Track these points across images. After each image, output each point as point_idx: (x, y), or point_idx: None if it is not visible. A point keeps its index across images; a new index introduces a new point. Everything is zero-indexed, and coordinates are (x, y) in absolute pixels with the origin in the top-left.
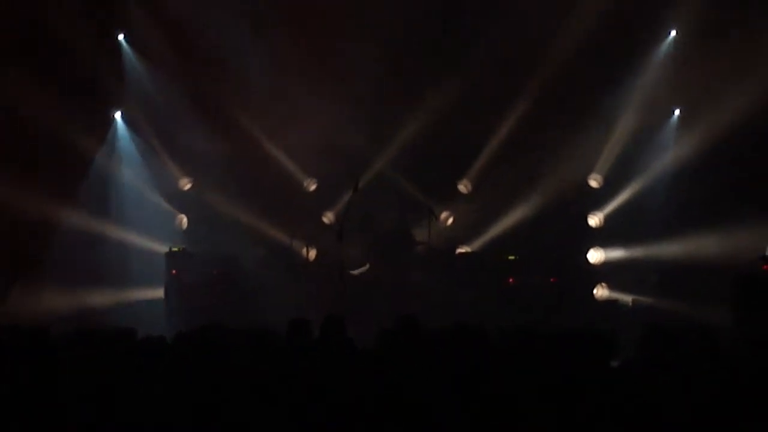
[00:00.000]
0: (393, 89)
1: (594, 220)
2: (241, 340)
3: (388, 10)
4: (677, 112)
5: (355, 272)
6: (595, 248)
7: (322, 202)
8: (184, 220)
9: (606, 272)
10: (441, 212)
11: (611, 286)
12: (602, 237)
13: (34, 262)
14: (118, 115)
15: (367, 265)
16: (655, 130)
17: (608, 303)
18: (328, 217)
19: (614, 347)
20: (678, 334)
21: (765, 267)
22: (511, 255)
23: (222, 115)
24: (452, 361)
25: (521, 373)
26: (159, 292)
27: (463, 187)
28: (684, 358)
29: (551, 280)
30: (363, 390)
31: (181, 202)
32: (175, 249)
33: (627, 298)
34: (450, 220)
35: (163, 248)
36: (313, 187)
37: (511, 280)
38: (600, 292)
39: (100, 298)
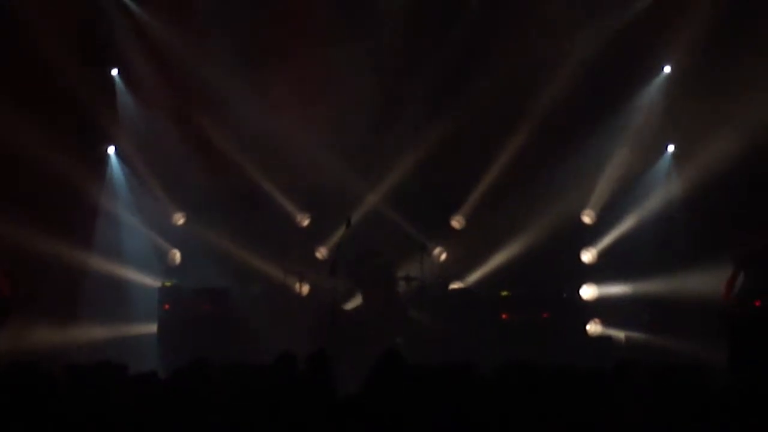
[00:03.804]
0: (386, 125)
1: (587, 256)
2: (231, 376)
3: (382, 47)
4: (671, 148)
5: (348, 308)
6: (588, 284)
7: (315, 237)
8: (177, 255)
9: (599, 308)
10: (434, 248)
11: (604, 322)
12: (595, 273)
13: (27, 298)
14: (111, 150)
15: (359, 301)
16: (648, 167)
17: (601, 339)
18: (321, 253)
19: (604, 384)
20: (664, 372)
21: (757, 303)
22: (504, 291)
23: (215, 150)
24: (442, 399)
25: (513, 410)
26: (151, 327)
27: (456, 222)
28: (671, 395)
29: (544, 315)
30: (348, 428)
31: (174, 237)
32: (168, 284)
33: (620, 334)
34: (443, 256)
35: (155, 283)
36: (306, 222)
37: (504, 316)
38: (593, 328)
39: (92, 332)
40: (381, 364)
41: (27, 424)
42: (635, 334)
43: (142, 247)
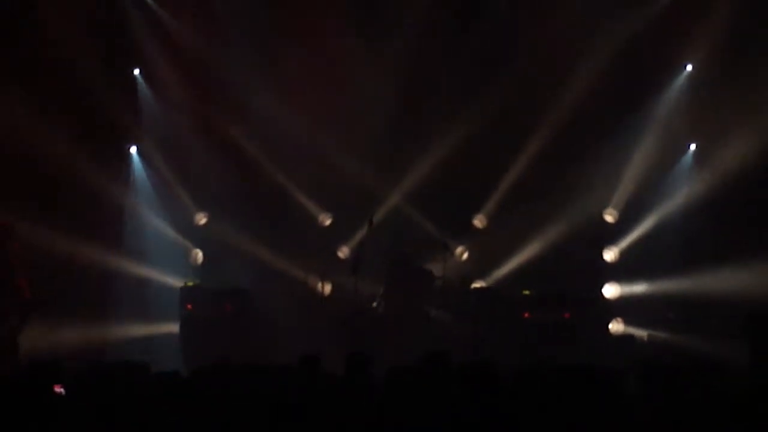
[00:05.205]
0: (409, 123)
1: (609, 255)
2: (254, 376)
3: (403, 44)
4: (693, 147)
5: (374, 304)
6: (611, 283)
7: (337, 236)
8: (200, 254)
9: (621, 307)
10: (456, 247)
11: (626, 321)
12: (618, 272)
13: (49, 299)
14: (133, 149)
15: (379, 300)
16: (670, 165)
17: (623, 338)
18: (343, 252)
19: (626, 383)
20: (684, 371)
21: None
22: (526, 290)
23: (237, 149)
24: (463, 398)
25: (534, 409)
26: (173, 327)
27: (478, 222)
28: (691, 394)
29: (566, 315)
30: (376, 427)
31: (196, 236)
32: (190, 284)
33: (642, 333)
34: (465, 255)
35: (178, 283)
36: (328, 222)
37: (526, 315)
38: (615, 327)
39: (115, 332)
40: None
41: (49, 421)
42: (658, 333)
43: (163, 247)
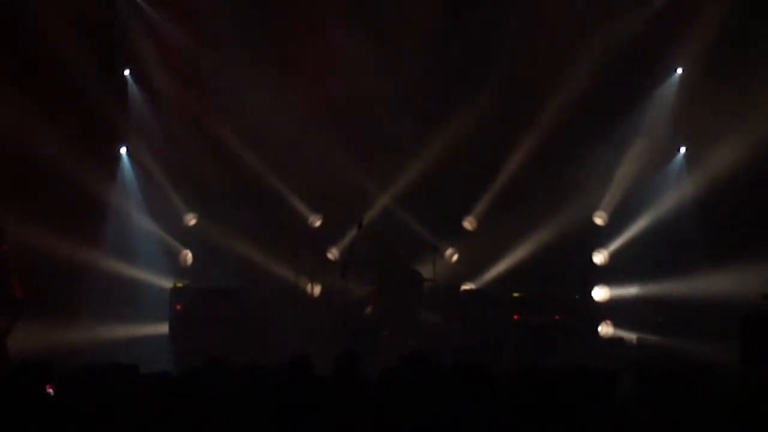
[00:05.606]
0: (398, 126)
1: (599, 258)
2: (244, 377)
3: (395, 50)
4: (683, 149)
5: (360, 308)
6: (600, 286)
7: (326, 238)
8: (189, 255)
9: (611, 310)
10: (446, 249)
11: (616, 324)
12: (607, 274)
13: (38, 298)
14: (123, 150)
15: (368, 302)
16: (660, 168)
17: (613, 340)
18: (332, 254)
19: (617, 385)
20: (676, 372)
21: None
22: (516, 292)
23: (227, 151)
24: (453, 400)
25: (525, 411)
26: (163, 328)
27: (468, 224)
28: (683, 396)
29: (555, 317)
30: (367, 427)
31: (186, 237)
32: (180, 284)
33: (632, 336)
34: (455, 257)
35: (167, 284)
36: (317, 223)
37: (515, 317)
38: (605, 329)
39: (102, 333)
40: (402, 364)
41: (39, 422)
42: (647, 336)
43: (153, 248)
